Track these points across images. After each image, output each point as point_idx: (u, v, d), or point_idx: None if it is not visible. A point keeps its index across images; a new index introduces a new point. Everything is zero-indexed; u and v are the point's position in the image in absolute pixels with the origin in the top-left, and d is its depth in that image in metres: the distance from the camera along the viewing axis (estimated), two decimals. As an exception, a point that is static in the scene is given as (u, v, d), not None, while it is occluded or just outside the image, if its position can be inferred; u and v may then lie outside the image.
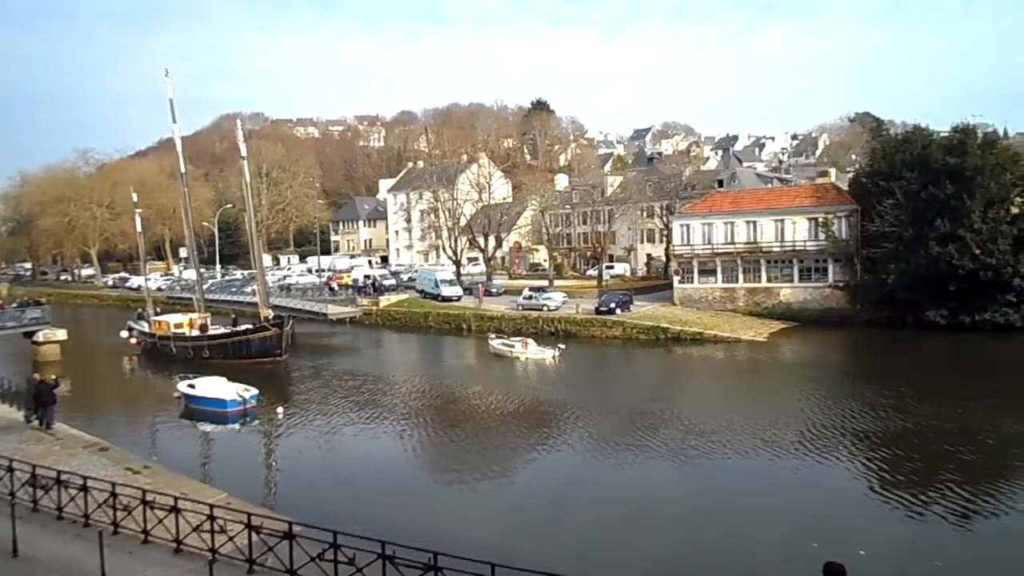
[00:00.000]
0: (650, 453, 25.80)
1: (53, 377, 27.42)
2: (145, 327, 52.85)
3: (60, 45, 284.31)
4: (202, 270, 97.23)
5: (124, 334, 53.70)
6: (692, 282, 59.96)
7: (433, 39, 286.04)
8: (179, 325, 50.00)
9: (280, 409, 33.07)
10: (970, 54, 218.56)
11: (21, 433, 24.88)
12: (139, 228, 63.46)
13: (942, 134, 54.65)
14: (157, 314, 54.99)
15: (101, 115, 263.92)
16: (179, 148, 52.96)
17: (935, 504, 20.03)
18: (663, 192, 77.13)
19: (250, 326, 47.34)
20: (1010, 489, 21.34)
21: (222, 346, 46.15)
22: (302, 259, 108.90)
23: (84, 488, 15.05)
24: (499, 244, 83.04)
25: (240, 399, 32.63)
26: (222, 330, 48.43)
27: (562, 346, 45.79)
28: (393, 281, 75.25)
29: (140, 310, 57.69)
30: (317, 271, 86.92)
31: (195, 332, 48.84)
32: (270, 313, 47.46)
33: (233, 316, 53.39)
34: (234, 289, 69.50)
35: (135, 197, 64.50)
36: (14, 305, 54.98)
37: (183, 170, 54.56)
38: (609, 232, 78.39)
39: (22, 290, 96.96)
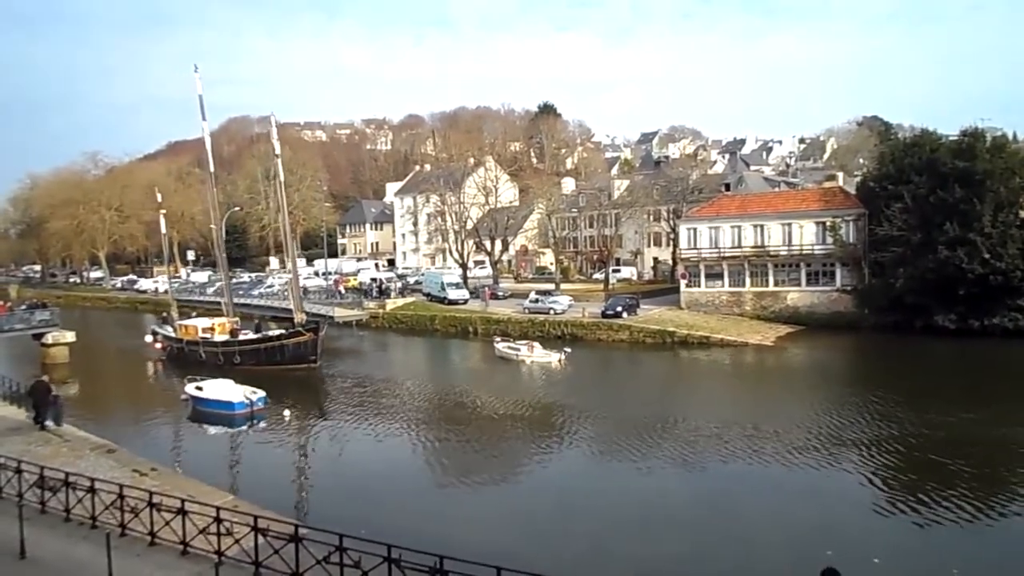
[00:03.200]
0: (657, 458, 25.74)
1: (45, 378, 27.63)
2: (170, 331, 51.42)
3: (66, 50, 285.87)
4: (210, 273, 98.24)
5: (148, 338, 52.65)
6: (699, 286, 59.81)
7: (439, 43, 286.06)
8: (207, 329, 48.08)
9: (287, 412, 33.11)
10: (976, 57, 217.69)
11: (29, 435, 25.00)
12: (164, 229, 62.48)
13: (950, 138, 54.40)
14: (188, 318, 53.93)
15: (107, 120, 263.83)
16: (208, 146, 52.61)
17: (947, 510, 19.90)
18: (670, 196, 77.04)
19: (282, 331, 46.06)
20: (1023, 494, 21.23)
21: (255, 352, 44.82)
22: (309, 262, 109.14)
23: (92, 490, 15.09)
24: (505, 247, 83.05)
25: (247, 401, 32.69)
26: (252, 335, 47.22)
27: (568, 349, 45.73)
28: (399, 283, 75.11)
29: (165, 314, 56.56)
30: (324, 274, 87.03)
31: (224, 337, 47.35)
32: (303, 317, 46.32)
33: (256, 320, 52.44)
34: (241, 292, 69.68)
35: (160, 197, 64.60)
36: (23, 307, 55.26)
37: (211, 169, 53.98)
38: (616, 236, 78.37)
39: (31, 292, 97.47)
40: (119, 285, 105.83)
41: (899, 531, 18.97)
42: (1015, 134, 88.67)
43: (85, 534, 14.84)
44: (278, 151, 49.55)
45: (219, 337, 47.41)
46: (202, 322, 49.85)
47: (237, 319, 50.50)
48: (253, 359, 44.30)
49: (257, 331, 48.28)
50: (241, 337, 46.98)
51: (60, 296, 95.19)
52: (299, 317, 46.28)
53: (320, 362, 44.19)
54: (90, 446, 24.24)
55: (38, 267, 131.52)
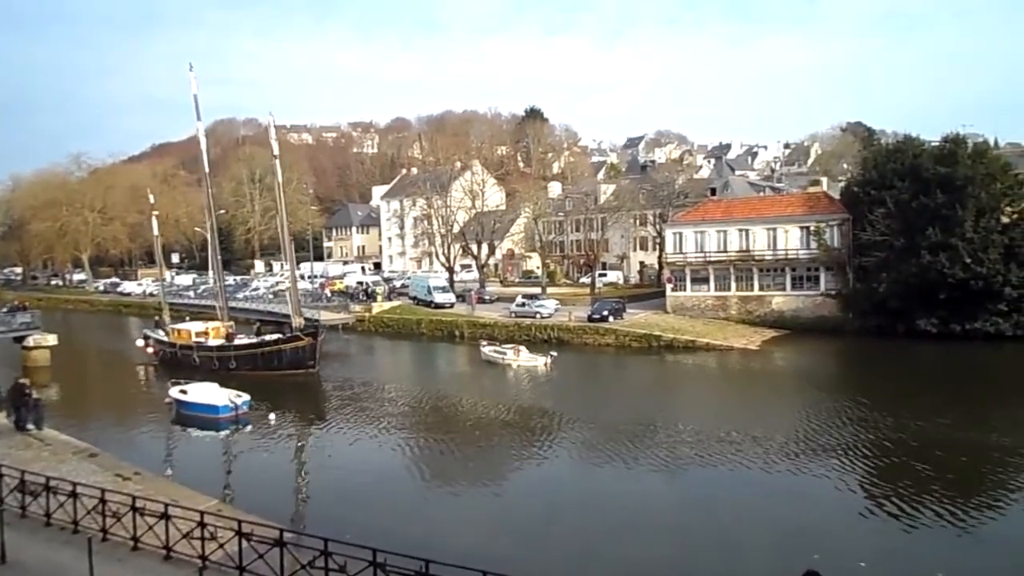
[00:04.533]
0: (642, 462, 25.74)
1: (25, 381, 27.35)
2: (162, 335, 50.09)
3: (57, 50, 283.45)
4: (195, 276, 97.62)
5: (140, 342, 51.59)
6: (685, 290, 60.08)
7: (428, 47, 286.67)
8: (201, 334, 47.14)
9: (272, 415, 32.90)
10: (960, 65, 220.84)
11: (10, 438, 24.69)
12: (156, 231, 61.40)
13: (933, 144, 54.98)
14: (181, 321, 52.97)
15: (97, 120, 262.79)
16: (203, 146, 52.00)
17: (932, 513, 20.04)
18: (656, 200, 77.34)
19: (280, 335, 45.25)
20: (1006, 498, 21.45)
21: (251, 357, 43.89)
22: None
23: (73, 494, 14.95)
24: (492, 251, 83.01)
25: (232, 405, 32.48)
26: (251, 339, 46.44)
27: (554, 353, 45.79)
28: (385, 287, 74.81)
29: (157, 318, 55.31)
30: (310, 277, 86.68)
31: (219, 341, 46.42)
32: (302, 321, 45.57)
33: (257, 324, 51.51)
34: (226, 295, 69.18)
35: (152, 199, 64.08)
36: (4, 310, 54.57)
37: (207, 169, 53.41)
38: (602, 240, 78.58)
39: (12, 295, 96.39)
40: (102, 288, 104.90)
41: (885, 534, 19.07)
42: (996, 140, 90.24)
43: (67, 539, 14.69)
44: (276, 152, 48.41)
45: (213, 341, 46.53)
46: (196, 326, 48.94)
47: (232, 323, 49.81)
48: (249, 364, 43.44)
49: (257, 335, 47.48)
50: (237, 342, 46.16)
51: (41, 299, 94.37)
52: (297, 321, 45.54)
53: (319, 367, 43.54)
54: (72, 450, 23.95)
55: (19, 269, 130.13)
